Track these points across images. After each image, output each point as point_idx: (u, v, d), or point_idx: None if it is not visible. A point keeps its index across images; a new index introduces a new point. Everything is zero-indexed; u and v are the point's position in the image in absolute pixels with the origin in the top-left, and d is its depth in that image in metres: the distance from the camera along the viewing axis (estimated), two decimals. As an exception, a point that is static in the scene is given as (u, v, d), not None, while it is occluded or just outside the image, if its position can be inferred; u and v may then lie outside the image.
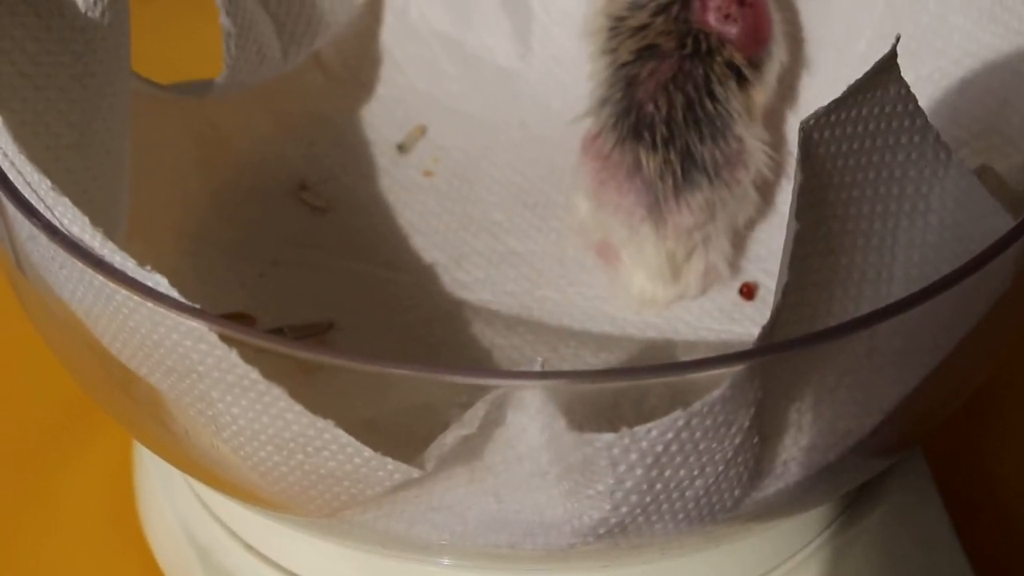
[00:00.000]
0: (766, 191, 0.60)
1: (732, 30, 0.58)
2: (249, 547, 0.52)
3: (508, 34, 0.69)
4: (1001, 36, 0.56)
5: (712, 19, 0.58)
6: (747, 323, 0.58)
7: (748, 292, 0.59)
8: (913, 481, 0.54)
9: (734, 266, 0.60)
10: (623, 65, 0.58)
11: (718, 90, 0.58)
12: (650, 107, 0.57)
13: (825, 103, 0.60)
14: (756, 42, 0.59)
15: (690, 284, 0.58)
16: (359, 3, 0.68)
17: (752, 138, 0.58)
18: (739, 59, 0.58)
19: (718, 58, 0.58)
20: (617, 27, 0.59)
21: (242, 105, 0.64)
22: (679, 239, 0.57)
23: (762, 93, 0.60)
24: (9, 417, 0.61)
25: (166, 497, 0.55)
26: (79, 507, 0.59)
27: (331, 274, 0.60)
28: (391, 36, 0.70)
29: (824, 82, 0.63)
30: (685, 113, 0.57)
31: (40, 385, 0.61)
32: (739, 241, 0.60)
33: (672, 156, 0.56)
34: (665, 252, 0.57)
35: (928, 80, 0.58)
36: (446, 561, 0.47)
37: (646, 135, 0.57)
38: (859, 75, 0.60)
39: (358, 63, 0.69)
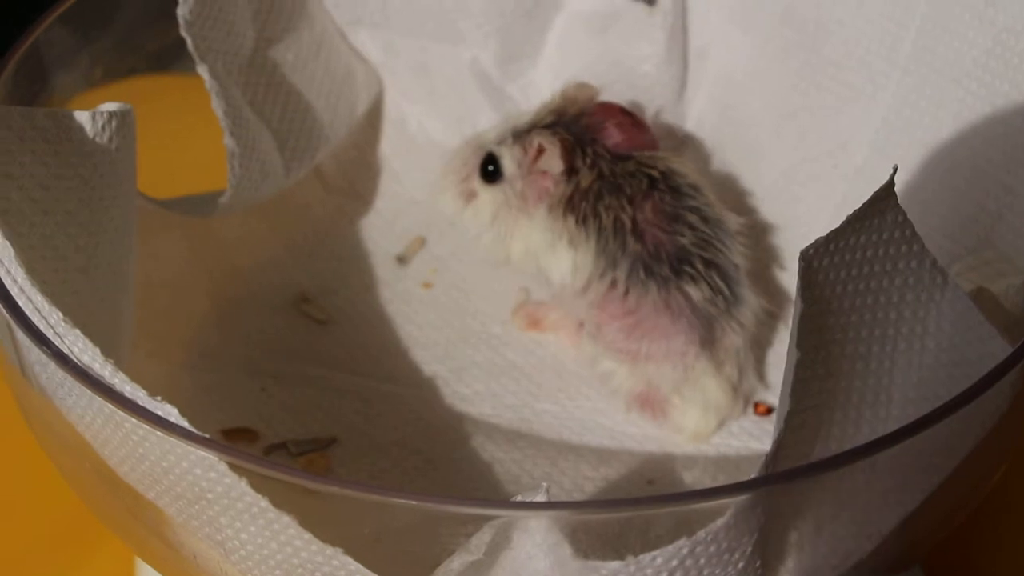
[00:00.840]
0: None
1: (641, 136, 0.59)
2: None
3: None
4: (994, 152, 0.56)
5: (618, 137, 0.59)
6: (744, 436, 0.58)
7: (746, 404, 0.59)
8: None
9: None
10: (615, 227, 0.57)
11: (690, 190, 0.57)
12: (672, 237, 0.56)
13: (820, 215, 0.62)
14: (646, 135, 0.60)
15: (739, 404, 0.58)
16: (359, 116, 0.69)
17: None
18: (660, 161, 0.58)
19: (659, 164, 0.58)
20: (578, 212, 0.58)
21: (243, 218, 0.65)
22: (734, 361, 0.57)
23: (690, 166, 0.59)
24: (7, 527, 0.61)
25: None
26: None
27: (333, 387, 0.60)
28: (390, 147, 0.71)
29: (820, 195, 0.64)
30: (698, 223, 0.57)
31: (40, 494, 0.61)
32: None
33: (716, 277, 0.56)
34: (726, 379, 0.57)
35: (923, 194, 0.59)
36: None
37: (685, 267, 0.56)
38: (854, 188, 0.62)
39: (357, 175, 0.70)
